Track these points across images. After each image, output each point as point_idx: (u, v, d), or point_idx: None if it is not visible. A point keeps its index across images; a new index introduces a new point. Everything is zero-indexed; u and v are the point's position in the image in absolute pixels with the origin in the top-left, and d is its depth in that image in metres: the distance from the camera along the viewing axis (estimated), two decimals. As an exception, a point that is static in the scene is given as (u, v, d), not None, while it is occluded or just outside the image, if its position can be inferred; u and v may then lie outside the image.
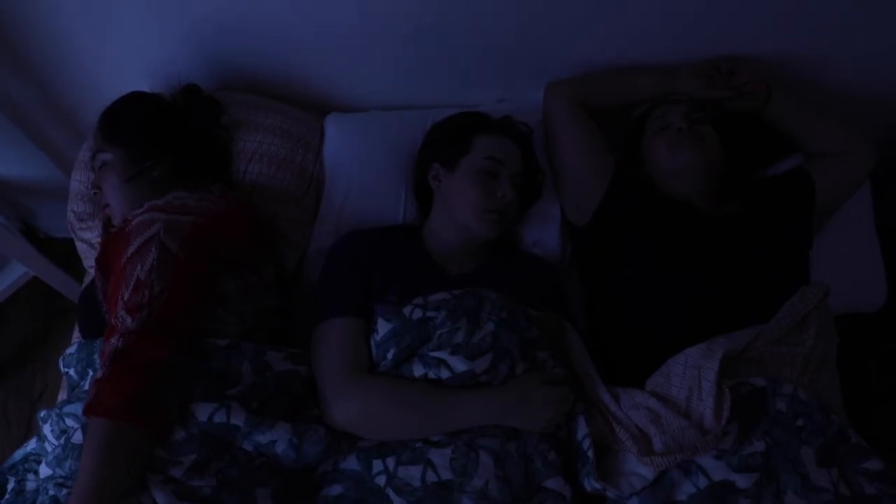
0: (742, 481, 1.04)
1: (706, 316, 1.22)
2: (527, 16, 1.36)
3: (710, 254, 1.29)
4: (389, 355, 1.17)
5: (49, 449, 1.10)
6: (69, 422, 1.07)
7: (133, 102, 1.33)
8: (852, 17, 1.35)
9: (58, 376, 1.42)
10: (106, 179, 1.27)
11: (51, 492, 1.02)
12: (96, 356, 1.13)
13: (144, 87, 1.39)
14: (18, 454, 1.16)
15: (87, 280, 1.57)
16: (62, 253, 1.99)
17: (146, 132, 1.29)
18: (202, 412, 1.03)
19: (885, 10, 1.33)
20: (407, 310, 1.19)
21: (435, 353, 1.15)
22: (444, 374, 1.14)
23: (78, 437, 1.04)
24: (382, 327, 1.19)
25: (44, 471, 1.08)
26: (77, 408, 1.06)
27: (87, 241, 1.48)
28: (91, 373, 1.14)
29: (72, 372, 1.18)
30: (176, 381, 1.03)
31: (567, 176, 1.45)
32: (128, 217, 1.19)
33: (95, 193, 1.31)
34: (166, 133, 1.31)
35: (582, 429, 1.15)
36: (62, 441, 1.06)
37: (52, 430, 1.09)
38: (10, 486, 1.11)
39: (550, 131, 1.48)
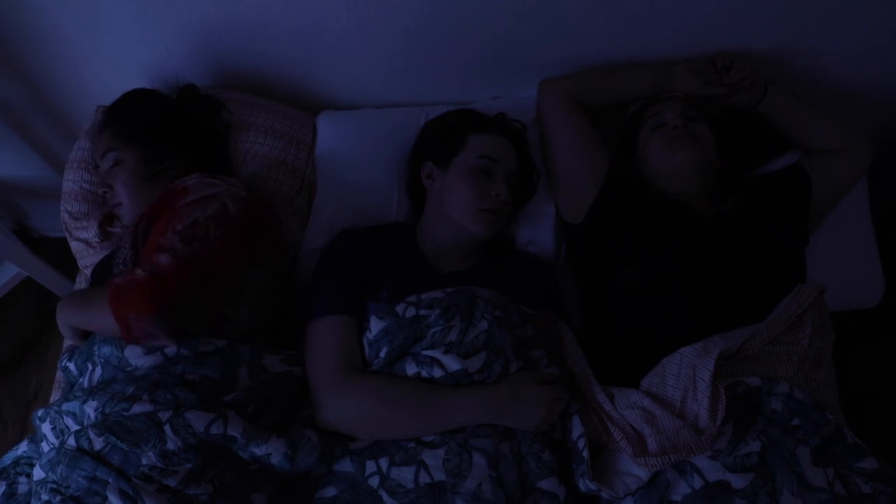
0: (737, 481, 1.04)
1: (701, 315, 1.22)
2: (521, 13, 1.35)
3: (705, 252, 1.28)
4: (382, 354, 1.16)
5: (46, 449, 1.08)
6: (68, 421, 1.05)
7: (145, 100, 1.33)
8: (848, 13, 1.34)
9: (52, 376, 1.41)
10: (119, 178, 1.26)
11: (44, 497, 1.00)
12: (95, 348, 1.11)
13: (136, 86, 1.38)
14: (8, 458, 1.15)
15: (79, 281, 1.56)
16: (56, 253, 1.98)
17: (166, 131, 1.29)
18: (199, 422, 1.02)
19: (881, 6, 1.32)
20: (400, 308, 1.19)
21: (428, 352, 1.15)
22: (437, 372, 1.13)
23: (71, 443, 1.02)
24: (375, 325, 1.18)
25: (37, 473, 1.05)
26: (75, 406, 1.04)
27: (84, 241, 1.45)
28: (90, 366, 1.12)
29: (72, 366, 1.17)
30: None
31: (561, 174, 1.44)
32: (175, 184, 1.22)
33: (105, 192, 1.30)
34: (181, 131, 1.32)
35: (577, 429, 1.15)
36: (57, 443, 1.05)
37: (52, 429, 1.07)
38: (1, 489, 1.10)
39: (544, 129, 1.47)
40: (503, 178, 1.30)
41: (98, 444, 1.00)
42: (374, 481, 1.08)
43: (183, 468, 1.00)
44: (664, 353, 1.17)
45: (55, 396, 1.38)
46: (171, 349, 1.09)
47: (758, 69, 1.36)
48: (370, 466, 1.10)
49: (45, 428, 1.08)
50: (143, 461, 0.99)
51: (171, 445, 1.00)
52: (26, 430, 1.91)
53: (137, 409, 1.01)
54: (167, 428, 1.00)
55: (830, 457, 1.07)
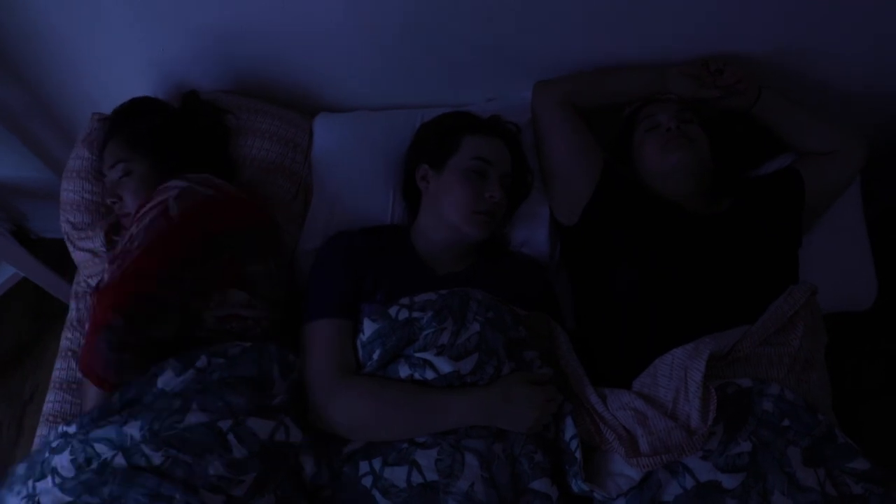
0: (728, 481, 1.04)
1: (694, 315, 1.22)
2: (516, 15, 1.35)
3: (698, 253, 1.28)
4: (375, 356, 1.17)
5: (50, 484, 0.98)
6: (100, 447, 0.99)
7: (150, 109, 1.34)
8: (845, 14, 1.34)
9: (48, 378, 1.41)
10: (129, 188, 1.26)
11: None
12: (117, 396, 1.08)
13: (134, 89, 1.38)
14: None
15: (77, 282, 1.55)
16: (53, 254, 1.98)
17: (173, 138, 1.30)
18: (262, 430, 1.03)
19: (878, 7, 1.33)
20: (393, 310, 1.19)
21: (420, 354, 1.15)
22: (430, 374, 1.14)
23: (120, 461, 0.96)
24: (368, 327, 1.19)
25: (55, 496, 0.96)
26: (110, 431, 0.99)
27: (90, 251, 1.39)
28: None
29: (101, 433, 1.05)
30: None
31: (556, 175, 1.44)
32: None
33: (113, 203, 1.30)
34: (187, 138, 1.32)
35: (570, 429, 1.15)
36: (94, 466, 0.98)
37: (72, 460, 0.98)
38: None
39: (539, 131, 1.47)
40: (497, 180, 1.31)
41: (157, 458, 0.96)
42: (368, 481, 1.09)
43: (249, 477, 1.00)
44: (656, 354, 1.18)
45: (52, 396, 1.37)
46: (201, 361, 1.08)
47: (751, 72, 1.37)
48: (363, 467, 1.10)
49: (62, 459, 0.99)
50: (210, 471, 0.97)
51: (237, 453, 0.99)
52: (22, 433, 1.91)
53: (192, 419, 1.00)
54: (231, 437, 1.00)
55: (821, 457, 1.07)
